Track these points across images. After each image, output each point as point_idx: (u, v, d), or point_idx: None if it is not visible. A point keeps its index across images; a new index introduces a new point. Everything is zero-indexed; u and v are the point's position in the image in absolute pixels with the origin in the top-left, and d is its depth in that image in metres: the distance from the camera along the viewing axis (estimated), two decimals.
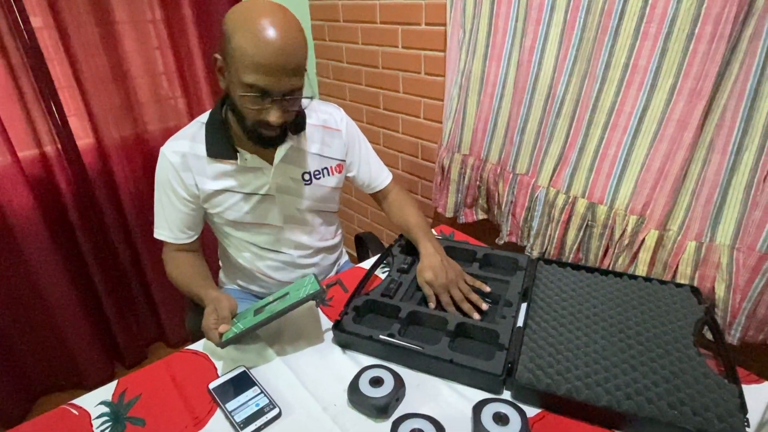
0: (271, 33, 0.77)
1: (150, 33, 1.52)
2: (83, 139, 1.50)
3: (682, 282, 0.95)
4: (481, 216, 1.43)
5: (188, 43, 1.57)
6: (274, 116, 0.83)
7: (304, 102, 1.03)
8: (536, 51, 1.12)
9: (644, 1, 0.92)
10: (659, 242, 1.00)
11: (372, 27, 1.66)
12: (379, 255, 1.12)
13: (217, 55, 0.86)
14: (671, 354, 0.76)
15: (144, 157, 1.61)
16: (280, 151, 0.97)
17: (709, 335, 0.87)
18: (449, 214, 1.48)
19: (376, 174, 1.17)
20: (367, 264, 1.14)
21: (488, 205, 1.39)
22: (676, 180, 0.95)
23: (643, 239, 1.01)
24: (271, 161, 0.98)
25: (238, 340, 0.83)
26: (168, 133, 1.62)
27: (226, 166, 0.97)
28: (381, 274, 1.09)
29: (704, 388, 0.69)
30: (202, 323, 0.83)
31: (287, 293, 0.87)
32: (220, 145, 0.95)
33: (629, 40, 0.96)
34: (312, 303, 0.91)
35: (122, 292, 1.73)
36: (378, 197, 1.21)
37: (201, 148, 0.96)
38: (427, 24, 1.45)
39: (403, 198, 1.18)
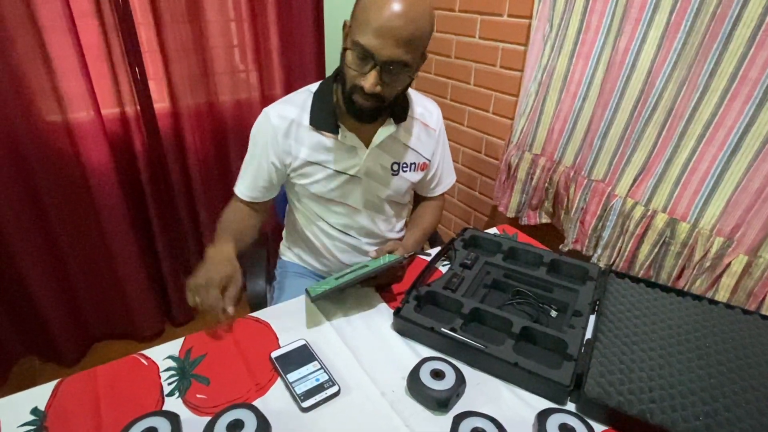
0: None
1: (229, 5, 1.54)
2: (159, 102, 1.55)
3: None
4: (545, 219, 1.39)
5: (266, 18, 1.59)
6: (369, 82, 0.81)
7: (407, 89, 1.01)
8: (631, 52, 1.06)
9: (765, 8, 0.85)
10: (746, 269, 0.93)
11: (449, 15, 1.62)
12: (440, 247, 1.10)
13: (347, 20, 0.86)
14: (757, 389, 0.71)
15: (213, 126, 1.65)
16: (380, 135, 0.96)
17: None
18: (511, 214, 1.44)
19: (443, 184, 1.17)
20: (429, 254, 1.12)
21: (554, 209, 1.34)
22: None
23: (729, 264, 0.95)
24: (367, 144, 0.98)
25: (327, 296, 0.87)
26: (238, 104, 1.66)
27: (325, 139, 0.97)
28: (441, 268, 1.07)
29: None
30: (196, 280, 0.86)
31: (366, 265, 0.91)
32: (325, 116, 0.95)
33: (741, 49, 0.89)
34: (371, 289, 0.98)
35: (179, 254, 1.80)
36: (420, 197, 1.21)
37: (306, 117, 0.96)
38: (509, 15, 1.40)
39: (437, 208, 1.19)
